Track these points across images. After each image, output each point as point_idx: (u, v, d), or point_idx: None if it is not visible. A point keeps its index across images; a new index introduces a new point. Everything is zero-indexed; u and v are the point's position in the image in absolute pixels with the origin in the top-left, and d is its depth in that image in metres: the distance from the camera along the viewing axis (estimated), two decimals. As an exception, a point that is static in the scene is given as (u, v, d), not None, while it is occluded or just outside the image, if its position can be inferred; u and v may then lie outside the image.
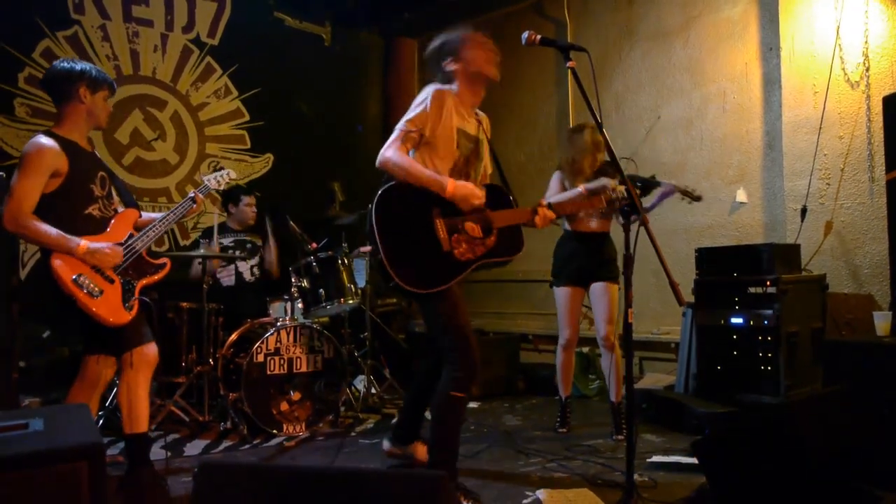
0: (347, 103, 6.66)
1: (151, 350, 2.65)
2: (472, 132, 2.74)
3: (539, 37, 2.46)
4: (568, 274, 3.63)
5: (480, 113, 2.84)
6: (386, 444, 3.08)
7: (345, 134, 6.57)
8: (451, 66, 2.67)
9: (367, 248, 3.18)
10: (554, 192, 3.61)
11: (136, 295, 2.62)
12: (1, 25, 4.70)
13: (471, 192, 2.54)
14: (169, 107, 5.48)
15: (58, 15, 4.96)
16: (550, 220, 2.69)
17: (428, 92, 2.60)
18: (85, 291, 2.45)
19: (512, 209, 2.69)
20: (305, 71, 6.26)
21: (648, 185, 3.55)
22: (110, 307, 2.50)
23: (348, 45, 6.65)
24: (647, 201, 3.57)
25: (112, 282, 2.56)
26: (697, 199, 3.56)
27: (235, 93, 5.82)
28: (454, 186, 2.52)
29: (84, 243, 2.50)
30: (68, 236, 2.48)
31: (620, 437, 3.47)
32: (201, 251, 3.95)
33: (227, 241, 4.58)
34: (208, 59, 5.69)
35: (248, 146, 5.89)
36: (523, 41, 2.49)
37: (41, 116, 4.72)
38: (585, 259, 3.61)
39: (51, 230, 2.46)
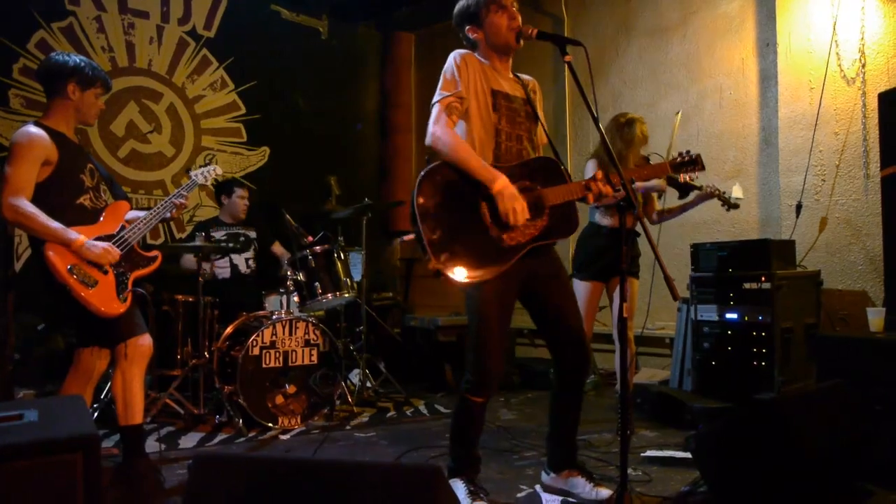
0: (344, 97, 6.65)
1: (146, 341, 2.65)
2: (511, 92, 2.55)
3: (536, 31, 2.45)
4: (596, 269, 3.55)
5: (525, 76, 2.68)
6: (543, 477, 2.68)
7: (341, 128, 6.57)
8: (472, 35, 2.55)
9: (410, 237, 3.03)
10: None
11: (130, 287, 2.62)
12: (-5, 16, 4.69)
13: (520, 204, 2.30)
14: (164, 99, 5.46)
15: (53, 6, 4.93)
16: (607, 195, 2.43)
17: (450, 57, 2.48)
18: (79, 281, 2.45)
19: (566, 184, 2.43)
20: (302, 64, 6.25)
21: (687, 187, 3.51)
22: (104, 298, 2.50)
23: (345, 38, 6.63)
24: (682, 201, 3.61)
25: (106, 273, 2.55)
26: (735, 206, 3.55)
27: (231, 85, 5.80)
28: (504, 185, 2.29)
29: (81, 238, 2.48)
30: (67, 229, 2.47)
31: (631, 433, 3.45)
32: (196, 244, 3.94)
33: (219, 234, 4.55)
34: (204, 51, 5.66)
35: (244, 139, 5.87)
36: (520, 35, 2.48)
37: (36, 108, 4.69)
38: (615, 255, 3.52)
39: (50, 220, 2.45)
